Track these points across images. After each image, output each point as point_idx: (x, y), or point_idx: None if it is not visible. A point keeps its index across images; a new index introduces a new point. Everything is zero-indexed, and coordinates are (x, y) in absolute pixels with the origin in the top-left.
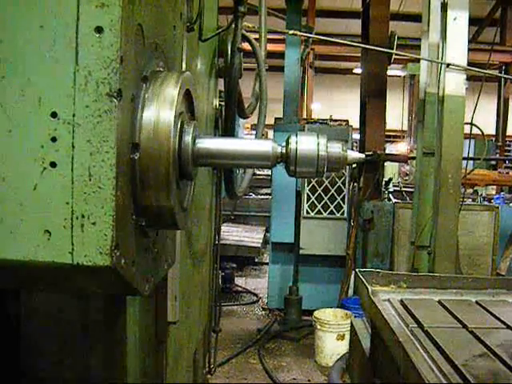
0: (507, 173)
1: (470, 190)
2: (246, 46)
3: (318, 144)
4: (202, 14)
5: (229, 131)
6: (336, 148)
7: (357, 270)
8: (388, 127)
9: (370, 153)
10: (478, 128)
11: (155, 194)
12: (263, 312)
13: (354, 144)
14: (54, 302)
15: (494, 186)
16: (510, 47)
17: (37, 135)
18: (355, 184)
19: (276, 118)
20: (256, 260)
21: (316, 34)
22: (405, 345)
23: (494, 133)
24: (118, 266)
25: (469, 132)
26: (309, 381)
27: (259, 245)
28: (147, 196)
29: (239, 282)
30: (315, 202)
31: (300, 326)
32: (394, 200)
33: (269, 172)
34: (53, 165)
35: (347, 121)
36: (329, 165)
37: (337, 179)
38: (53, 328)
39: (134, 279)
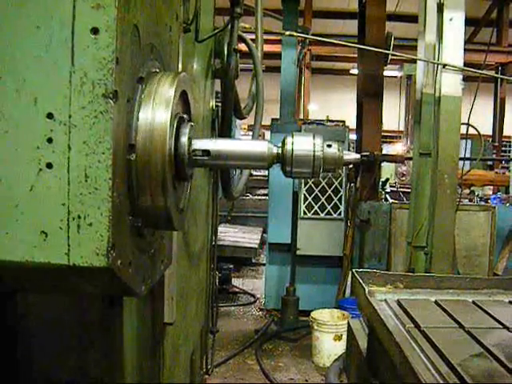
0: (504, 173)
1: (467, 191)
2: (242, 46)
3: (314, 145)
4: (199, 14)
5: (225, 132)
6: (332, 149)
7: (353, 270)
8: (385, 128)
9: (367, 153)
10: (475, 128)
11: (151, 194)
12: (260, 313)
13: (351, 144)
14: (50, 303)
15: (491, 187)
16: (506, 48)
17: (33, 136)
18: (352, 184)
19: (273, 119)
20: (253, 261)
21: (312, 34)
22: (401, 345)
23: (490, 133)
24: (114, 266)
25: (465, 132)
26: (306, 381)
27: (256, 245)
28: (143, 197)
29: (236, 282)
30: (312, 202)
31: (297, 326)
32: (390, 200)
33: (266, 173)
34: (49, 166)
35: (344, 121)
36: (325, 165)
37: (334, 180)
38: (49, 329)
39: (131, 280)
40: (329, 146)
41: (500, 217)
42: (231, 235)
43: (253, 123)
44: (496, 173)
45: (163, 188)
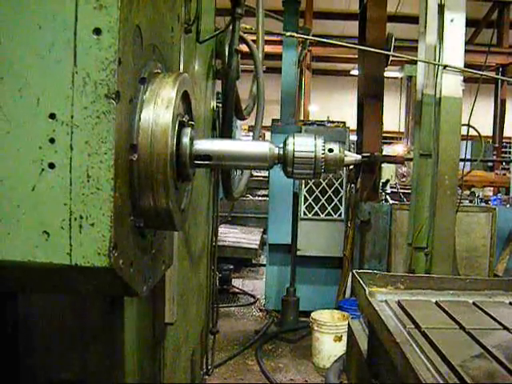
0: (504, 174)
1: (467, 192)
2: (243, 47)
3: (315, 145)
4: (200, 15)
5: (226, 132)
6: (333, 149)
7: (354, 271)
8: (385, 129)
9: (367, 154)
10: (475, 129)
11: (153, 195)
12: (260, 313)
13: (352, 145)
14: (52, 303)
15: (491, 188)
16: (506, 49)
17: (35, 136)
18: (352, 185)
19: (273, 120)
20: (253, 261)
21: (313, 35)
22: (402, 346)
23: (491, 134)
24: (115, 266)
25: (466, 133)
26: (306, 382)
27: (256, 246)
28: (145, 197)
29: (236, 283)
30: (312, 203)
31: (297, 327)
32: (391, 201)
33: (266, 173)
34: (51, 166)
35: (344, 122)
36: (325, 166)
37: (334, 180)
38: (50, 329)
39: (132, 280)
40: (330, 147)
41: (500, 218)
42: (232, 236)
43: (253, 124)
44: (496, 174)
45: (165, 188)
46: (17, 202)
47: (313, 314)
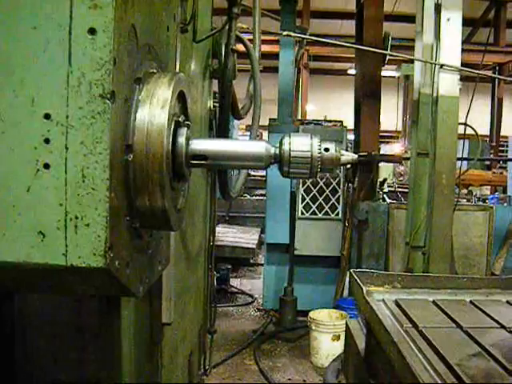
0: (501, 173)
1: (465, 191)
2: (239, 47)
3: (311, 145)
4: (196, 15)
5: (223, 132)
6: (329, 149)
7: (351, 270)
8: (382, 128)
9: (365, 153)
10: (472, 128)
11: (149, 195)
12: (258, 313)
13: (349, 145)
14: (48, 304)
15: (489, 187)
16: (503, 48)
17: (30, 137)
18: (350, 185)
19: (270, 119)
20: (251, 261)
21: (310, 34)
22: (399, 345)
23: (488, 133)
24: (111, 267)
25: (463, 132)
26: (304, 381)
27: (254, 246)
28: (141, 197)
29: (234, 283)
30: (310, 202)
31: (295, 326)
32: (388, 200)
33: (264, 173)
34: (46, 166)
35: (341, 121)
36: (322, 166)
37: (331, 180)
38: (47, 330)
39: (128, 280)
40: (326, 146)
41: (498, 217)
42: (229, 235)
43: (251, 123)
44: (493, 173)
45: (161, 188)
46: (12, 203)
47: (311, 314)
